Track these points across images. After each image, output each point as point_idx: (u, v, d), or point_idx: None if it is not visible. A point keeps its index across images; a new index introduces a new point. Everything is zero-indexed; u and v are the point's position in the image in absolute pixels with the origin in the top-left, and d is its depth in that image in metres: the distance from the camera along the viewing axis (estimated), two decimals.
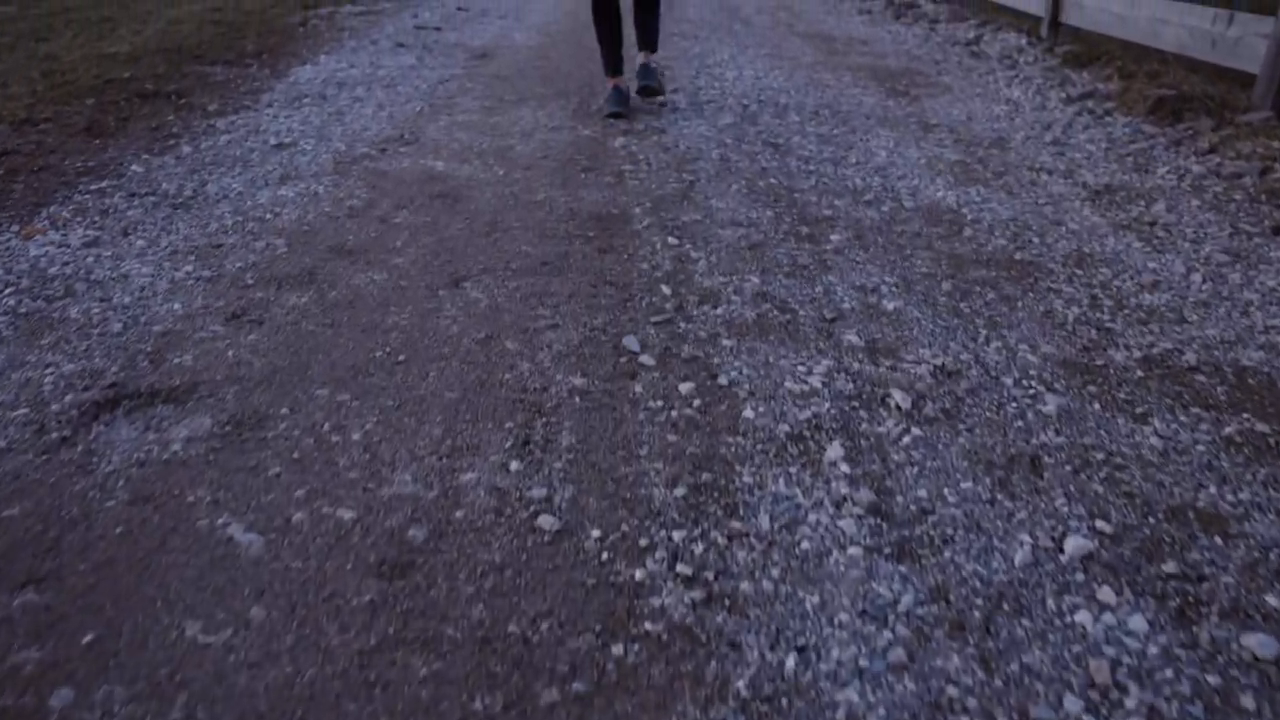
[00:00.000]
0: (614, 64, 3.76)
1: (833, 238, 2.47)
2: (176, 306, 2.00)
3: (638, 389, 1.70)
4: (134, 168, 2.95)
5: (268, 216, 2.50)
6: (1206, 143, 3.40)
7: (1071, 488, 1.43)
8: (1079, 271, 2.29)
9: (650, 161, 3.10)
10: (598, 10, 3.72)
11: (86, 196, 2.69)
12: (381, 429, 1.56)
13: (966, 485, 1.44)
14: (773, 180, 2.96)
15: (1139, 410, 1.66)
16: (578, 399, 1.66)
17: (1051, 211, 2.77)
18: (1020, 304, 2.10)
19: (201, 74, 4.38)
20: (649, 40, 3.85)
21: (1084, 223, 2.68)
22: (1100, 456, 1.52)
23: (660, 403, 1.66)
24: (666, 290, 2.11)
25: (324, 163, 3.01)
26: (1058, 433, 1.59)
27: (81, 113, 3.60)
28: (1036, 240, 2.53)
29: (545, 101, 3.97)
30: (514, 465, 1.47)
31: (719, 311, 2.01)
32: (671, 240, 2.39)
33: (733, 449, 1.52)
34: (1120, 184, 3.01)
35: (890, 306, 2.08)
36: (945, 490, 1.42)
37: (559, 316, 1.97)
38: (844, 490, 1.42)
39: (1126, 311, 2.07)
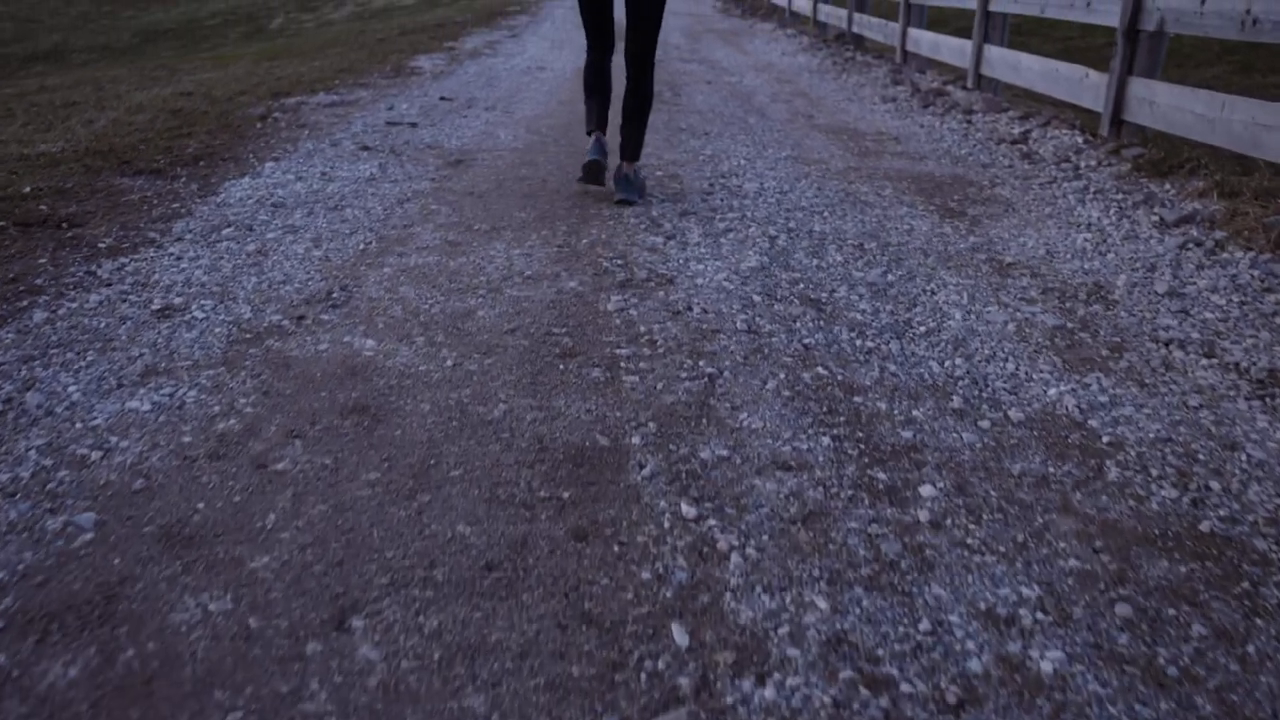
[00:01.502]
0: (598, 120, 3.62)
1: (924, 494, 1.67)
2: None
3: None
4: None
5: (92, 458, 1.70)
6: None
7: None
8: None
9: (654, 336, 2.32)
10: (589, 83, 3.66)
11: None
12: None
13: None
14: (821, 370, 2.16)
15: None
16: None
17: (1212, 422, 1.97)
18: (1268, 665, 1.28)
19: (116, 190, 3.64)
20: (632, 149, 3.65)
21: (1267, 442, 1.88)
22: None
23: None
24: (679, 637, 1.29)
25: (213, 343, 2.23)
26: None
27: None
28: (1218, 488, 1.72)
29: (524, 232, 3.21)
30: None
31: (769, 695, 1.19)
32: (686, 509, 1.59)
33: None
34: None
35: (1046, 668, 1.26)
36: None
37: (499, 714, 1.15)
38: None
39: None
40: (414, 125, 5.17)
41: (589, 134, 3.64)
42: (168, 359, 2.13)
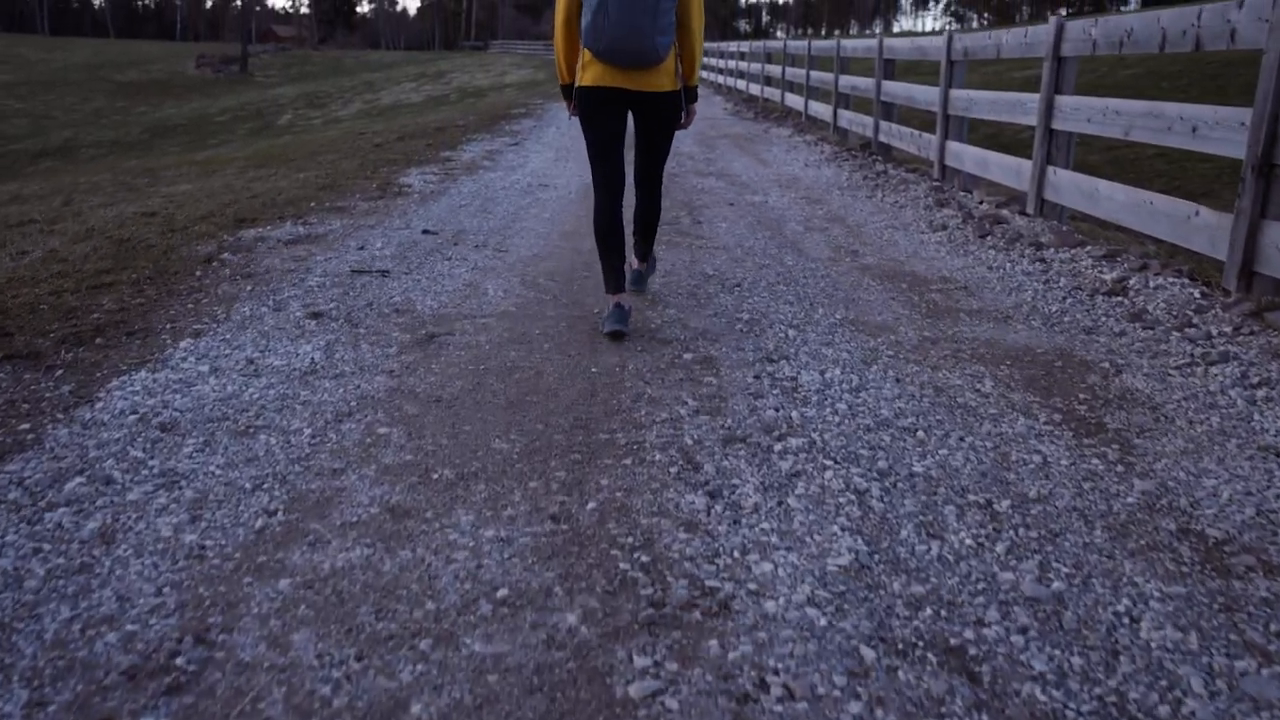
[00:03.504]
0: (616, 281, 3.46)
1: None
2: None
3: None
4: None
5: None
6: None
7: None
8: None
9: None
10: (602, 237, 3.45)
11: None
12: None
13: None
14: None
15: None
16: None
17: None
18: None
19: None
20: (643, 252, 3.78)
21: None
22: None
23: None
24: None
25: None
26: None
27: None
28: None
29: (504, 486, 2.23)
30: None
31: None
32: None
33: None
34: None
35: None
36: None
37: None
38: None
39: None
40: (385, 274, 4.27)
41: (609, 293, 3.47)
42: None
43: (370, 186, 7.09)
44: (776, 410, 2.74)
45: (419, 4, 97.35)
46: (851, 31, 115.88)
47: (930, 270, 4.75)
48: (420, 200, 6.43)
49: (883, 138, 9.44)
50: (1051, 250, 5.17)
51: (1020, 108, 6.21)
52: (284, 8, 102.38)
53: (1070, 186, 5.48)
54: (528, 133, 11.76)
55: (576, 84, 3.34)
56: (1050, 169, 5.75)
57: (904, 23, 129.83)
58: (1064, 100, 5.57)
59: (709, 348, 3.34)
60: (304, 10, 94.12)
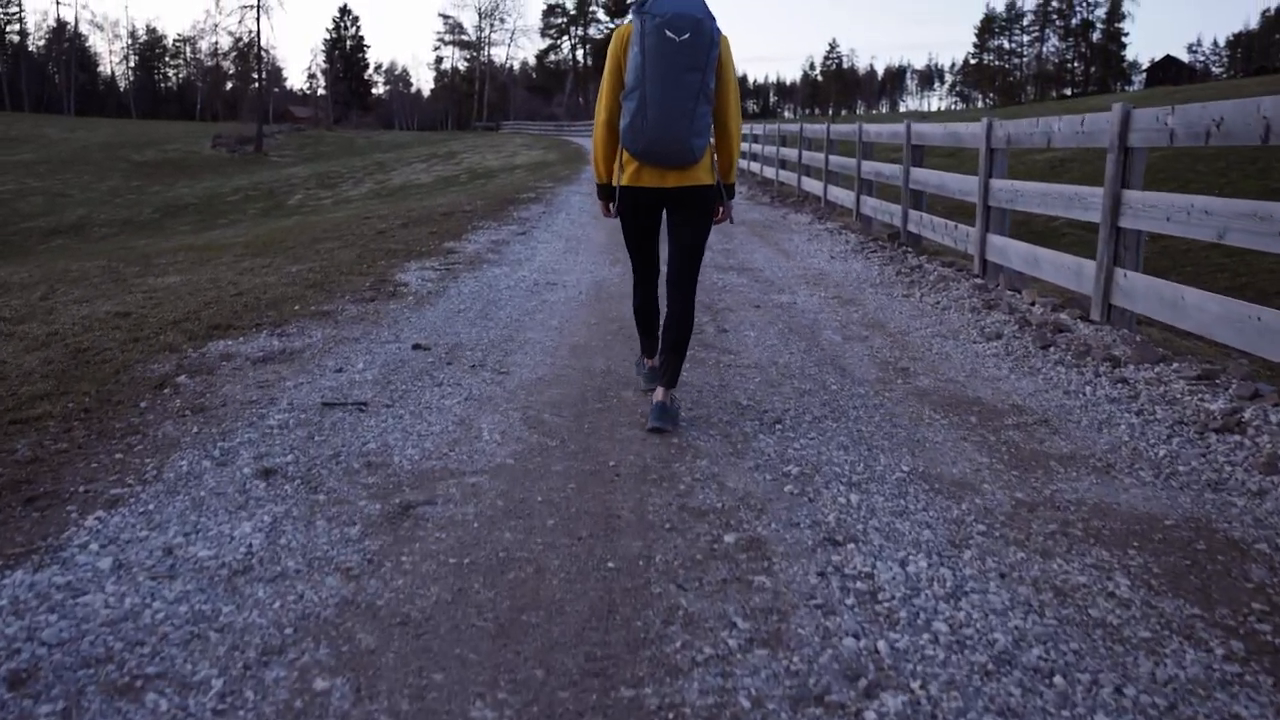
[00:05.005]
0: (651, 349, 3.76)
1: None
2: None
3: None
4: None
5: None
6: None
7: None
8: None
9: None
10: (640, 320, 3.76)
11: None
12: None
13: None
14: None
15: None
16: None
17: None
18: None
19: None
20: (670, 376, 3.52)
21: None
22: None
23: None
24: None
25: None
26: None
27: None
28: None
29: None
30: None
31: None
32: None
33: None
34: None
35: None
36: None
37: None
38: None
39: None
40: (362, 407, 3.62)
41: (646, 360, 3.86)
42: None
43: (364, 285, 6.52)
44: (856, 638, 2.03)
45: (433, 86, 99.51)
46: (858, 111, 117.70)
47: (998, 396, 4.08)
48: (415, 304, 5.83)
49: (912, 227, 8.87)
50: (1132, 368, 4.50)
51: (1079, 202, 5.61)
52: (302, 89, 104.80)
53: (1147, 293, 4.83)
54: (536, 219, 11.27)
55: (616, 183, 3.40)
56: (1119, 271, 5.12)
57: (910, 103, 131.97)
58: (1134, 196, 4.96)
59: (754, 522, 2.65)
60: (321, 91, 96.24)
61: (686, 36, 3.11)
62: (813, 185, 13.67)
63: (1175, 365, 4.48)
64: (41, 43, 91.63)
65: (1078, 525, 2.69)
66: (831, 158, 12.41)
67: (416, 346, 4.62)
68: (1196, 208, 4.36)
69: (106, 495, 2.71)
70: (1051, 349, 5.00)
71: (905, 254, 8.45)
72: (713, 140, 3.38)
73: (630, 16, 3.27)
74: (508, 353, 4.60)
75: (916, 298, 6.53)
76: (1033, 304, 6.16)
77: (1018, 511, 2.79)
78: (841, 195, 11.83)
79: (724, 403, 3.86)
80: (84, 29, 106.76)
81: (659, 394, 3.48)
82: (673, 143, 3.18)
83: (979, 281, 6.91)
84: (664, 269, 3.65)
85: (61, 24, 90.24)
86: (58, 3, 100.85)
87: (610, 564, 2.36)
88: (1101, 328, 5.26)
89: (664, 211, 3.46)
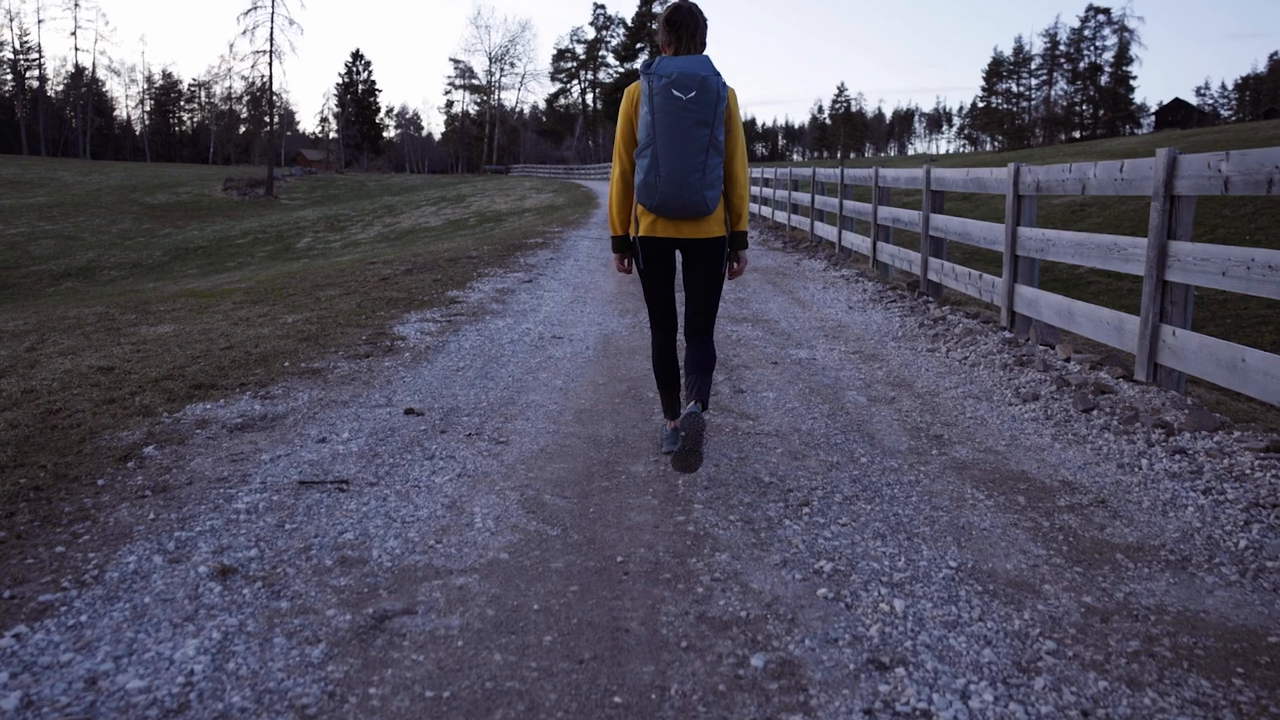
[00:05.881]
0: (674, 410, 3.69)
1: None
2: None
3: None
4: None
5: None
6: None
7: None
8: None
9: None
10: (659, 374, 3.69)
11: None
12: None
13: None
14: None
15: None
16: None
17: None
18: None
19: None
20: (700, 392, 3.46)
21: None
22: None
23: None
24: None
25: None
26: None
27: None
28: None
29: None
30: None
31: None
32: None
33: None
34: None
35: None
36: None
37: None
38: None
39: None
40: (342, 487, 3.26)
41: (667, 422, 3.74)
42: None
43: (360, 339, 6.19)
44: None
45: (443, 129, 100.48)
46: (866, 153, 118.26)
47: (1044, 470, 3.70)
48: (412, 361, 5.49)
49: (933, 276, 8.53)
50: (1188, 436, 4.12)
51: (1118, 254, 5.26)
52: (314, 132, 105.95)
53: (1199, 353, 4.45)
54: (544, 266, 10.98)
55: (633, 235, 3.50)
56: (1166, 329, 4.75)
57: (918, 145, 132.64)
58: (1183, 248, 4.61)
59: (785, 637, 2.26)
60: (333, 135, 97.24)
61: (693, 94, 3.23)
62: (826, 230, 13.39)
63: (1237, 434, 4.09)
64: (60, 88, 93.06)
65: (1164, 642, 2.30)
66: (846, 202, 12.13)
67: (409, 411, 4.27)
68: (1258, 262, 4.00)
69: (34, 602, 2.34)
70: (1095, 412, 4.63)
71: (926, 304, 8.10)
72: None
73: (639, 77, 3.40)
74: (507, 418, 4.25)
75: (942, 352, 6.17)
76: (1068, 360, 5.79)
77: (1089, 622, 2.40)
78: (856, 241, 11.53)
79: (744, 479, 3.49)
80: (101, 74, 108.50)
81: (692, 405, 3.43)
82: (685, 196, 3.28)
83: (1008, 335, 6.55)
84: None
85: (79, 69, 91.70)
86: (76, 49, 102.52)
87: (617, 698, 1.98)
88: (1148, 389, 4.88)
89: (679, 260, 3.58)
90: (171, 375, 5.27)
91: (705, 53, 3.38)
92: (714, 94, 3.23)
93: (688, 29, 3.34)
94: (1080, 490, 3.47)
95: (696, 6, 3.39)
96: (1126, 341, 5.13)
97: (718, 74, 3.28)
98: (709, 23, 3.41)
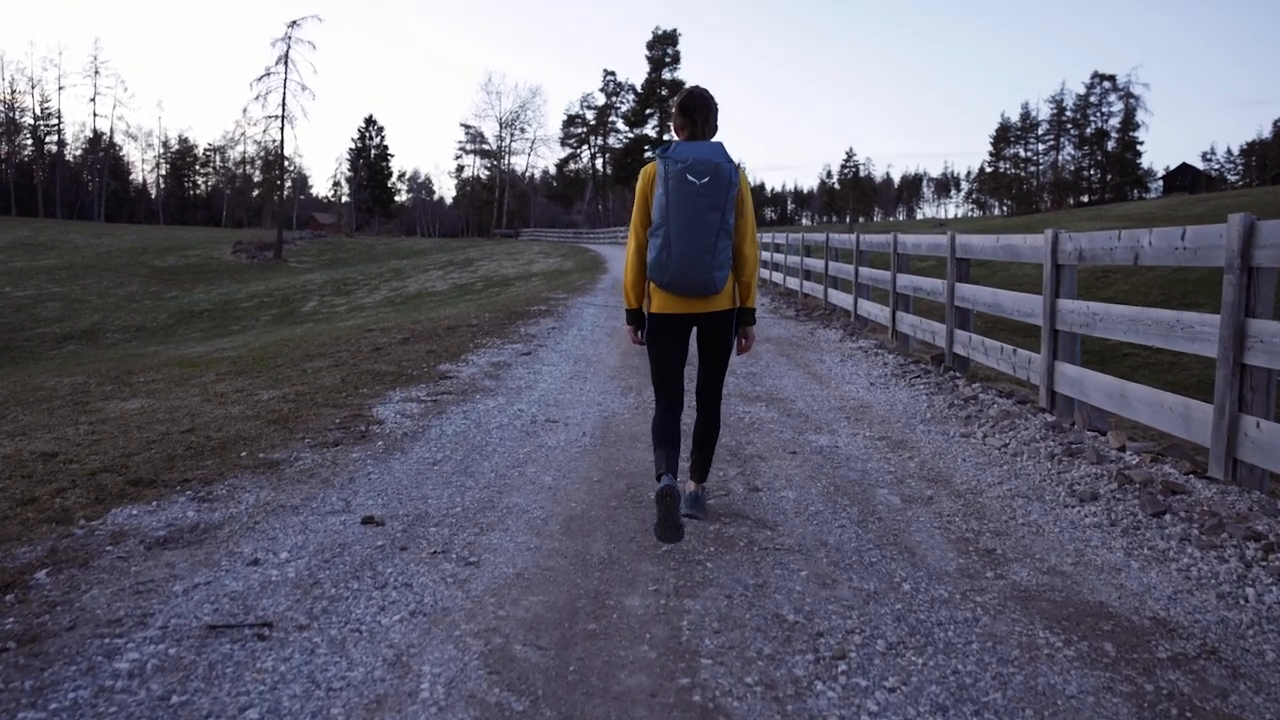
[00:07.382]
0: (669, 465, 3.44)
1: None
2: None
3: None
4: None
5: None
6: None
7: None
8: None
9: None
10: (659, 437, 3.57)
11: None
12: None
13: None
14: None
15: None
16: None
17: None
18: None
19: None
20: (701, 470, 3.78)
21: None
22: None
23: None
24: None
25: None
26: None
27: None
28: None
29: None
30: None
31: None
32: None
33: None
34: None
35: None
36: None
37: None
38: None
39: None
40: (262, 633, 2.60)
41: (658, 477, 3.40)
42: None
43: (333, 422, 5.59)
44: None
45: (454, 193, 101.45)
46: (875, 218, 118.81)
47: (1128, 601, 3.04)
48: (385, 451, 4.87)
49: (959, 349, 7.91)
50: None
51: (1181, 331, 4.65)
52: (326, 196, 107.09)
53: None
54: (545, 336, 10.42)
55: (646, 310, 3.62)
56: (1248, 420, 4.12)
57: (927, 210, 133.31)
58: (1266, 328, 4.00)
59: None
60: (345, 198, 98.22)
61: (706, 180, 3.35)
62: (841, 299, 12.84)
63: None
64: (78, 152, 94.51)
65: None
66: (862, 269, 11.60)
67: (367, 520, 3.63)
68: None
69: None
70: (1169, 517, 3.97)
71: (954, 380, 7.47)
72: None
73: (655, 159, 3.48)
74: (483, 529, 3.61)
75: (979, 438, 5.53)
76: (1122, 449, 5.14)
77: None
78: (874, 310, 10.95)
79: (764, 617, 2.83)
80: (119, 139, 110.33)
81: (690, 486, 3.80)
82: (695, 275, 3.40)
83: (1049, 418, 5.90)
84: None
85: (98, 134, 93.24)
86: (95, 114, 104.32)
87: None
88: (1227, 489, 4.22)
89: (691, 337, 3.67)
90: (113, 466, 4.67)
91: (717, 138, 3.54)
92: (726, 180, 3.37)
93: (701, 114, 3.50)
94: (1180, 634, 2.80)
95: (708, 93, 3.55)
96: (1195, 432, 4.49)
97: (730, 160, 3.41)
98: (719, 107, 3.57)
